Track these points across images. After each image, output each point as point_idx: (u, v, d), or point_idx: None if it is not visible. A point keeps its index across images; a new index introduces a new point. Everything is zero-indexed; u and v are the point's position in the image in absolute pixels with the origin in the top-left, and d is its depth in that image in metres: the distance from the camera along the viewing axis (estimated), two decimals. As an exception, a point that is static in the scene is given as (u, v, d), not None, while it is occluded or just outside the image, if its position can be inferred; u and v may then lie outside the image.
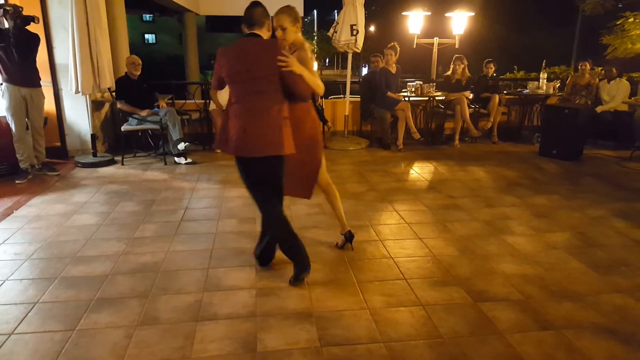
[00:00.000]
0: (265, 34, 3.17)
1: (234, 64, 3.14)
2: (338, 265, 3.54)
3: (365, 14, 7.55)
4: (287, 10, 3.32)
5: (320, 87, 3.28)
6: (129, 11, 8.41)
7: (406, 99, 7.57)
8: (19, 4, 5.42)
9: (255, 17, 3.12)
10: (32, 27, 5.50)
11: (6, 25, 5.34)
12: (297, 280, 3.25)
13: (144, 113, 6.46)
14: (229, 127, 3.21)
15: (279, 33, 3.29)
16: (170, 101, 7.57)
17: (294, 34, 3.33)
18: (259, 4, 3.17)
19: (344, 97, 8.17)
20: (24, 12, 5.38)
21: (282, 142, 3.14)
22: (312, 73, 3.26)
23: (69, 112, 6.70)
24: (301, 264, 3.26)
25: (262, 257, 3.54)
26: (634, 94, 8.01)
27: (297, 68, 3.06)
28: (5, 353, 2.53)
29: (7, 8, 5.24)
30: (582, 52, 18.84)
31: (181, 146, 6.42)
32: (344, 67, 6.66)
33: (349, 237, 3.81)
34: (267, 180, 3.28)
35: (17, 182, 5.52)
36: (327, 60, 50.95)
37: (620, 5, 13.67)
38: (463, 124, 7.75)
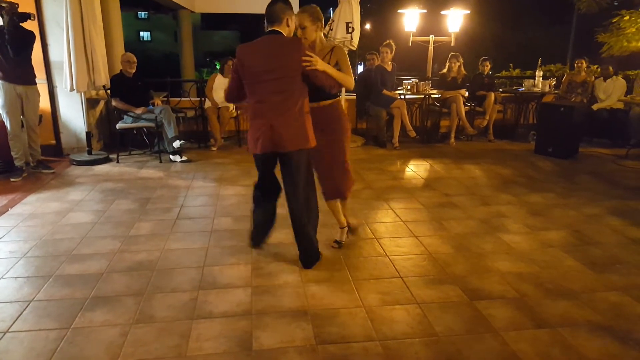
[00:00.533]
0: (285, 29, 3.19)
1: (258, 64, 3.14)
2: (333, 263, 3.54)
3: (361, 11, 7.52)
4: (308, 9, 3.41)
5: (350, 83, 3.38)
6: (123, 8, 8.36)
7: (402, 96, 7.57)
8: (14, 1, 5.37)
9: (274, 14, 3.15)
10: (26, 25, 5.47)
11: (0, 22, 5.31)
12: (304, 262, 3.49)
13: (139, 111, 6.45)
14: (253, 127, 3.25)
15: (299, 32, 3.38)
16: (166, 99, 7.55)
17: (314, 32, 3.42)
18: (276, 1, 3.18)
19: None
20: (19, 10, 5.35)
21: (307, 136, 3.23)
22: (348, 70, 3.42)
23: (64, 109, 6.67)
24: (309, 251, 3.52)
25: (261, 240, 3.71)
26: (630, 92, 8.03)
27: (320, 65, 3.13)
28: (0, 351, 2.52)
29: (3, 4, 5.20)
30: (577, 50, 18.87)
31: (176, 144, 6.41)
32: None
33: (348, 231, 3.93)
34: (294, 177, 3.31)
35: (12, 180, 5.50)
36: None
37: (616, 3, 13.72)
38: (459, 122, 7.76)
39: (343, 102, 7.84)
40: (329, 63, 3.36)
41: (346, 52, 3.59)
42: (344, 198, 3.81)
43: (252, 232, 3.71)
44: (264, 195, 3.54)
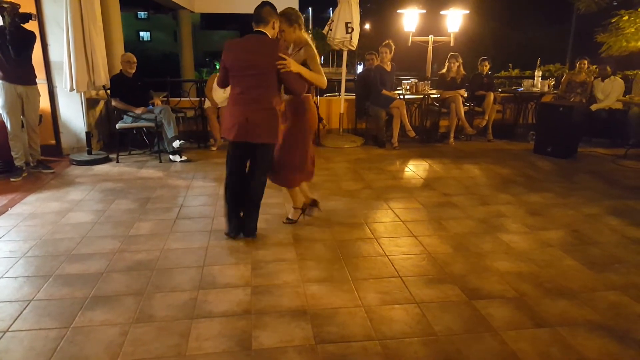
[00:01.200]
0: (270, 31, 3.56)
1: (238, 57, 3.56)
2: (333, 263, 3.55)
3: (360, 11, 7.54)
4: (285, 13, 3.71)
5: (321, 82, 3.74)
6: (123, 9, 8.36)
7: (401, 96, 7.57)
8: (13, 1, 5.38)
9: (261, 15, 3.51)
10: (27, 25, 5.47)
11: (0, 22, 5.31)
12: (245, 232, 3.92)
13: (138, 111, 6.45)
14: (231, 115, 3.64)
15: (280, 36, 3.70)
16: (165, 99, 7.55)
17: (292, 33, 3.74)
18: (267, 3, 3.56)
19: (339, 95, 8.18)
20: (20, 10, 5.35)
21: (276, 132, 3.65)
22: (317, 68, 3.70)
23: (64, 109, 6.68)
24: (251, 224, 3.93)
25: (241, 227, 3.96)
26: (629, 92, 8.04)
27: (294, 67, 3.49)
28: (0, 350, 2.53)
29: (5, 5, 5.21)
30: (577, 50, 18.88)
31: (176, 144, 6.41)
32: (339, 65, 6.71)
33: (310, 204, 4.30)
34: (258, 162, 3.76)
35: (12, 179, 5.50)
36: (322, 58, 50.95)
37: (615, 3, 13.73)
38: (458, 122, 7.76)
39: (342, 102, 7.89)
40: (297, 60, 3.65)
41: (316, 52, 3.79)
42: (288, 187, 4.14)
43: (229, 222, 3.96)
44: (235, 182, 3.85)
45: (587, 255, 3.72)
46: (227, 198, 3.88)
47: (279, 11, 3.67)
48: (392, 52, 7.44)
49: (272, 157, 3.84)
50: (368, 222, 4.36)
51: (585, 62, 8.23)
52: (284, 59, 3.43)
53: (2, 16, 5.24)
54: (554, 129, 6.85)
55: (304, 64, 3.69)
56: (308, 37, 3.86)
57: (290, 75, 3.50)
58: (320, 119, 4.40)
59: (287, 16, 3.70)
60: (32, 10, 5.99)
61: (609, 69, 7.96)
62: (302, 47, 3.77)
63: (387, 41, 7.48)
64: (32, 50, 5.61)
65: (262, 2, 3.56)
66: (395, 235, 4.07)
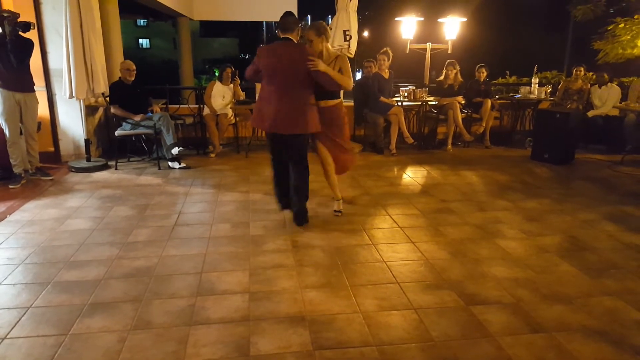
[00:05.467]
0: (295, 37, 4.09)
1: (270, 60, 4.07)
2: (331, 269, 3.56)
3: (358, 19, 7.58)
4: (314, 25, 4.22)
5: (346, 83, 4.16)
6: (123, 16, 8.40)
7: (399, 103, 7.61)
8: (13, 9, 5.41)
9: (287, 24, 4.05)
10: (26, 33, 5.50)
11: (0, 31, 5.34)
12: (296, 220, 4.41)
13: (137, 118, 6.47)
14: (264, 109, 4.15)
15: (308, 45, 4.18)
16: (164, 106, 7.58)
17: (320, 44, 4.20)
18: (291, 13, 4.11)
19: (340, 98, 8.18)
20: (19, 18, 5.39)
21: (305, 123, 4.11)
22: (347, 72, 4.21)
23: (63, 117, 6.69)
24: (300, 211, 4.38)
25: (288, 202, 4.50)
26: (625, 99, 8.08)
27: (322, 67, 3.97)
28: (-2, 358, 2.54)
29: (5, 14, 5.24)
30: (573, 57, 18.96)
31: (175, 151, 6.43)
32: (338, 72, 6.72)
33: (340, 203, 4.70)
34: (289, 152, 4.28)
35: (10, 186, 5.51)
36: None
37: (612, 11, 13.79)
38: (456, 129, 7.80)
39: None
40: (333, 69, 4.14)
41: (348, 60, 4.31)
42: (338, 173, 4.63)
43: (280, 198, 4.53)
44: (278, 168, 4.43)
45: (584, 261, 3.74)
46: (274, 184, 4.53)
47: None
48: (390, 60, 7.48)
49: (304, 148, 4.28)
50: (366, 228, 4.37)
51: (582, 69, 8.28)
52: (313, 60, 3.93)
53: (2, 25, 5.27)
54: (551, 136, 6.88)
55: (339, 71, 4.20)
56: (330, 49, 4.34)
57: (319, 74, 3.98)
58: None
59: (316, 28, 4.18)
60: (31, 18, 6.03)
61: (606, 76, 8.01)
62: (337, 57, 4.27)
63: (385, 49, 7.52)
64: (30, 57, 5.64)
65: (286, 12, 4.10)
66: (393, 242, 4.08)
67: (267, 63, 4.09)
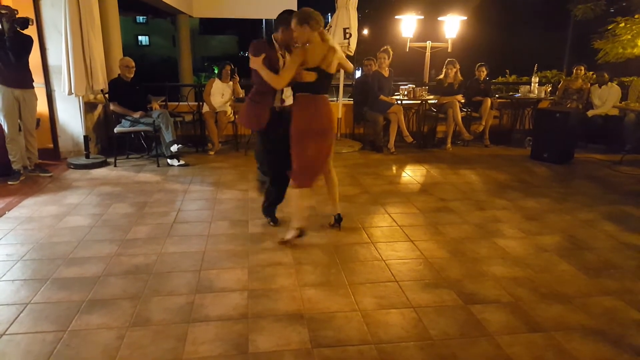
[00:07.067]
0: (279, 37, 3.89)
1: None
2: (330, 267, 3.56)
3: (358, 17, 7.57)
4: (295, 14, 3.70)
5: (272, 82, 3.71)
6: (122, 13, 8.39)
7: (399, 102, 7.61)
8: (12, 6, 5.39)
9: (276, 24, 3.90)
10: (25, 29, 5.49)
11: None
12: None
13: (136, 115, 6.46)
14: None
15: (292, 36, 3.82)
16: (164, 103, 7.56)
17: (303, 33, 3.65)
18: (286, 11, 3.83)
19: (337, 100, 8.20)
20: (18, 14, 5.37)
21: (250, 120, 4.09)
22: (285, 67, 3.75)
23: (62, 113, 6.69)
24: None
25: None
26: (625, 98, 8.08)
27: (251, 64, 3.78)
28: (-4, 354, 2.54)
29: (3, 11, 5.23)
30: (574, 56, 18.95)
31: (174, 148, 6.42)
32: (337, 71, 6.71)
33: (337, 219, 4.27)
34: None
35: (9, 183, 5.51)
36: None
37: (612, 10, 13.79)
38: (455, 128, 7.80)
39: (340, 107, 7.92)
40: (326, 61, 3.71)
41: (298, 54, 3.71)
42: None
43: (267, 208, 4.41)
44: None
45: (583, 260, 3.74)
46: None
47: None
48: (390, 58, 7.48)
49: (259, 146, 4.39)
50: (365, 227, 4.37)
51: (582, 68, 8.28)
52: (250, 56, 3.78)
53: (1, 22, 5.25)
54: (551, 135, 6.88)
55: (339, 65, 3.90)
56: (326, 37, 3.75)
57: (255, 72, 3.84)
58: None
59: (296, 15, 3.66)
60: (30, 14, 6.01)
61: (606, 75, 8.01)
62: (329, 49, 3.71)
63: (385, 47, 7.51)
64: (30, 54, 5.63)
65: (284, 11, 3.86)
66: (392, 240, 4.08)
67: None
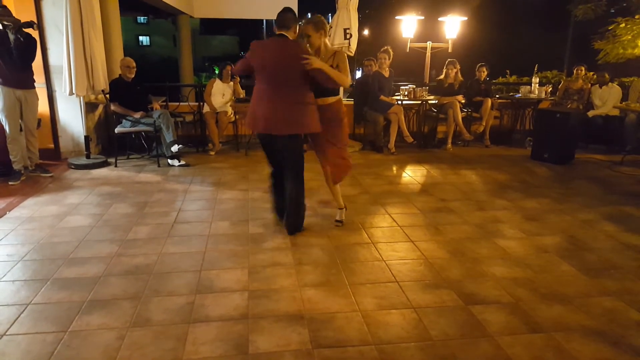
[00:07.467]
0: (291, 35, 3.88)
1: (263, 57, 3.84)
2: (330, 267, 3.56)
3: (359, 17, 7.57)
4: (312, 20, 4.00)
5: (343, 80, 3.93)
6: (123, 13, 8.39)
7: (399, 102, 7.61)
8: (13, 7, 5.40)
9: (285, 21, 3.84)
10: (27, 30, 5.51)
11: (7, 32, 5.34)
12: (288, 229, 4.17)
13: (137, 115, 6.46)
14: (257, 109, 3.90)
15: (306, 40, 3.99)
16: (164, 103, 7.57)
17: (318, 39, 3.99)
18: (290, 10, 3.89)
19: (339, 95, 8.19)
20: (18, 14, 5.38)
21: (302, 123, 3.89)
22: (344, 69, 3.97)
23: (63, 113, 6.69)
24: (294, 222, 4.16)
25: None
26: (625, 99, 8.08)
27: (316, 64, 3.74)
28: (-4, 354, 2.54)
29: (6, 22, 5.25)
30: (574, 56, 18.95)
31: (174, 148, 6.42)
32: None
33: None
34: (286, 157, 4.01)
35: (10, 183, 5.51)
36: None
37: (612, 11, 13.77)
38: (455, 128, 7.80)
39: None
40: (330, 65, 3.92)
41: (346, 57, 4.11)
42: (334, 183, 4.33)
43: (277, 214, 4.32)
44: (275, 178, 4.18)
45: (583, 261, 3.74)
46: (270, 193, 4.34)
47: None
48: (391, 58, 7.48)
49: (299, 153, 4.03)
50: (365, 227, 4.37)
51: (583, 68, 8.28)
52: (307, 57, 3.71)
53: (6, 32, 5.28)
54: (551, 135, 6.88)
55: (337, 67, 3.98)
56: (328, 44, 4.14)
57: (315, 71, 3.76)
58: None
59: (314, 23, 3.96)
60: (32, 14, 6.05)
61: (607, 76, 8.01)
62: (335, 52, 4.07)
63: (385, 47, 7.51)
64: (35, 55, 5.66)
65: (285, 8, 3.88)
66: (392, 240, 4.08)
67: (258, 59, 3.87)
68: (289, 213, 4.12)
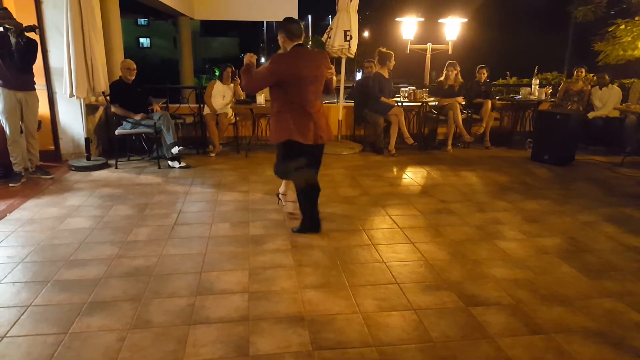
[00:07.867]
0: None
1: (300, 67, 3.83)
2: (330, 269, 3.56)
3: (359, 19, 7.58)
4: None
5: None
6: (123, 15, 8.39)
7: (399, 104, 7.61)
8: (14, 10, 5.41)
9: (299, 30, 3.91)
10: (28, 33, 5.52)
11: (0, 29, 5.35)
12: (299, 231, 4.22)
13: (137, 117, 6.47)
14: (299, 121, 3.91)
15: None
16: (165, 105, 7.57)
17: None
18: (295, 19, 3.96)
19: (338, 102, 8.21)
20: (19, 16, 5.39)
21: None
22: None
23: (63, 115, 6.69)
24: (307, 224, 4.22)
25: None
26: (625, 100, 8.09)
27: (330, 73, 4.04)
28: (-3, 356, 2.54)
29: (7, 26, 5.26)
30: (574, 58, 18.98)
31: (175, 150, 6.43)
32: (338, 72, 6.70)
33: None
34: (320, 161, 4.23)
35: (10, 185, 5.51)
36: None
37: (612, 12, 13.80)
38: (456, 129, 7.80)
39: (340, 109, 7.94)
40: None
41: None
42: None
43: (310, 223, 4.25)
44: (311, 184, 4.14)
45: (583, 262, 3.74)
46: (309, 207, 4.22)
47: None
48: (391, 61, 7.49)
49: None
50: (366, 229, 4.37)
51: (583, 70, 8.28)
52: (331, 67, 4.03)
53: (7, 34, 5.29)
54: (551, 137, 6.88)
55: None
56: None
57: (329, 80, 4.07)
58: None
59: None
60: (32, 16, 6.05)
61: (607, 77, 8.01)
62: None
63: (383, 49, 7.55)
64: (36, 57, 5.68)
65: (290, 18, 3.96)
66: (392, 242, 4.09)
67: (292, 69, 3.79)
68: (316, 209, 4.25)
